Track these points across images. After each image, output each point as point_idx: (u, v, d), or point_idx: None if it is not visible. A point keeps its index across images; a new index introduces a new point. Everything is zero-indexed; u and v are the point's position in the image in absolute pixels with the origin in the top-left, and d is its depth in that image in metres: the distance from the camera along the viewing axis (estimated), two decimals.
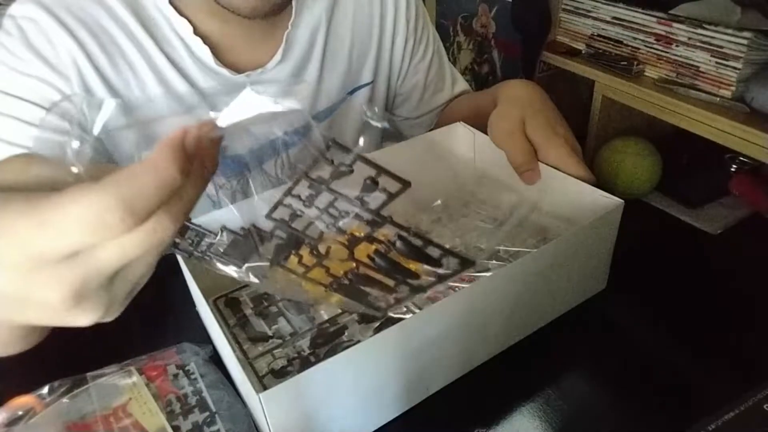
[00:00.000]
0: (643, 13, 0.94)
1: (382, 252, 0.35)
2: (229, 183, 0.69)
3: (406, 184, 0.30)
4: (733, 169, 0.79)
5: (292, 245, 0.36)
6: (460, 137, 0.68)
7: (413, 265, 0.37)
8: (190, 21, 0.59)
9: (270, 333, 0.52)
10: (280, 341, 0.51)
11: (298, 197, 0.33)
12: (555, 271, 0.51)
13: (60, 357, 0.51)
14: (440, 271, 0.36)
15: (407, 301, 0.39)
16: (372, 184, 0.30)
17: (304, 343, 0.50)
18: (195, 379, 0.47)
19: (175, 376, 0.48)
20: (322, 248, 0.36)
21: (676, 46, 0.89)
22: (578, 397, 0.48)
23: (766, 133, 0.74)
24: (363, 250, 0.35)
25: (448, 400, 0.47)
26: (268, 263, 0.36)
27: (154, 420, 0.44)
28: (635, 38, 0.97)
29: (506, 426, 0.45)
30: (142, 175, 0.23)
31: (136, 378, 0.47)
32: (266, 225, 0.37)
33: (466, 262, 0.35)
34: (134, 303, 0.65)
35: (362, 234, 0.34)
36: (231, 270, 0.37)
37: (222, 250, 0.36)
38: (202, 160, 0.25)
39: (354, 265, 0.36)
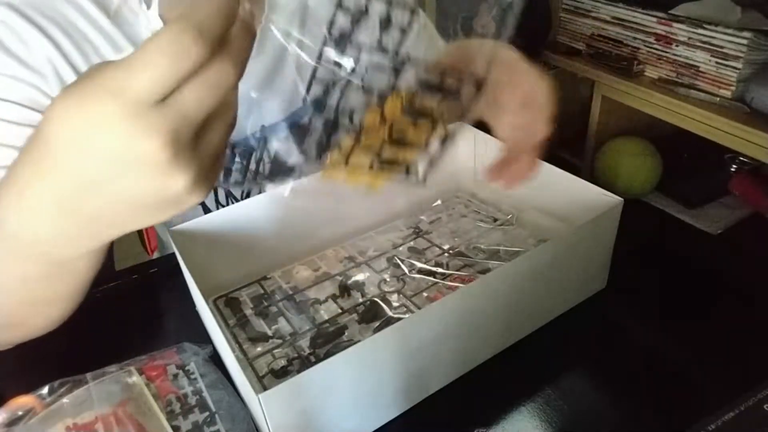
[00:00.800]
0: (643, 13, 0.94)
1: (411, 101, 0.38)
2: None
3: (415, 10, 0.32)
4: (733, 169, 0.79)
5: (329, 131, 0.39)
6: (461, 137, 0.68)
7: (437, 106, 0.39)
8: (162, 18, 0.59)
9: (270, 333, 0.52)
10: (280, 341, 0.51)
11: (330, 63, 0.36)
12: (555, 270, 0.51)
13: (60, 357, 0.51)
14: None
15: (440, 158, 0.41)
16: (386, 22, 0.33)
17: (304, 343, 0.50)
18: (195, 379, 0.47)
19: (175, 376, 0.48)
20: (356, 120, 0.39)
21: (676, 46, 0.89)
22: (578, 397, 0.48)
23: (766, 133, 0.74)
24: (392, 107, 0.38)
25: (448, 400, 0.47)
26: (315, 170, 0.39)
27: (154, 420, 0.44)
28: (635, 38, 0.97)
29: (506, 426, 0.45)
30: (206, 4, 0.26)
31: (136, 378, 0.47)
32: (305, 114, 0.39)
33: (479, 84, 0.39)
34: (134, 303, 0.65)
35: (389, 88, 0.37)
36: (285, 187, 0.40)
37: (270, 168, 0.38)
38: (247, 29, 0.29)
39: (388, 130, 0.38)
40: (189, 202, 0.30)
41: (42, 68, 0.56)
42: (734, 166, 0.80)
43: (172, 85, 0.26)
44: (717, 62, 0.83)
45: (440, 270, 0.57)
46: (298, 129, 0.39)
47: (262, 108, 0.68)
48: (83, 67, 0.58)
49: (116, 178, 0.28)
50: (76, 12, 0.58)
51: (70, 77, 0.57)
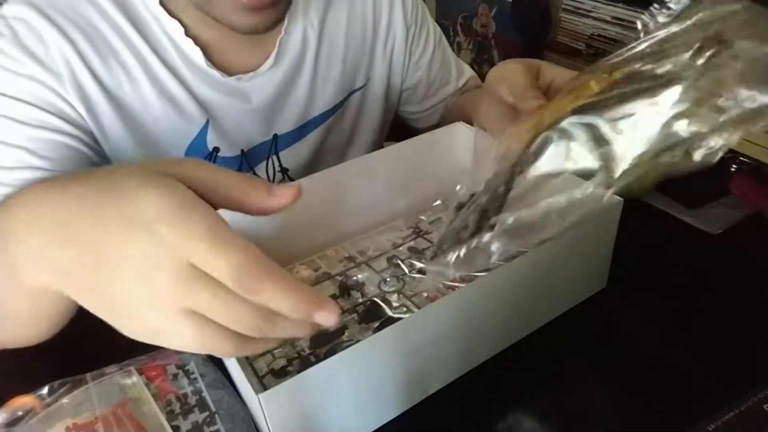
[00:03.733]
0: (643, 14, 0.94)
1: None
2: None
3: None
4: (733, 169, 0.79)
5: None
6: (460, 137, 0.68)
7: None
8: (181, 22, 0.59)
9: None
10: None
11: None
12: (554, 270, 0.51)
13: (60, 357, 0.51)
14: None
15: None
16: None
17: (304, 343, 0.50)
18: (195, 378, 0.47)
19: (175, 375, 0.48)
20: None
21: None
22: (578, 397, 0.48)
23: (767, 133, 0.74)
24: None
25: (448, 400, 0.47)
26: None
27: (153, 420, 0.44)
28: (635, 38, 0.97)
29: (506, 426, 0.45)
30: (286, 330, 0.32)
31: (136, 378, 0.47)
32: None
33: None
34: None
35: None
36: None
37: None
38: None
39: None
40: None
41: (58, 69, 0.55)
42: (734, 166, 0.79)
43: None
44: None
45: None
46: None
47: (276, 118, 0.68)
48: (101, 71, 0.58)
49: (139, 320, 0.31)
50: (97, 14, 0.57)
51: (87, 80, 0.57)
